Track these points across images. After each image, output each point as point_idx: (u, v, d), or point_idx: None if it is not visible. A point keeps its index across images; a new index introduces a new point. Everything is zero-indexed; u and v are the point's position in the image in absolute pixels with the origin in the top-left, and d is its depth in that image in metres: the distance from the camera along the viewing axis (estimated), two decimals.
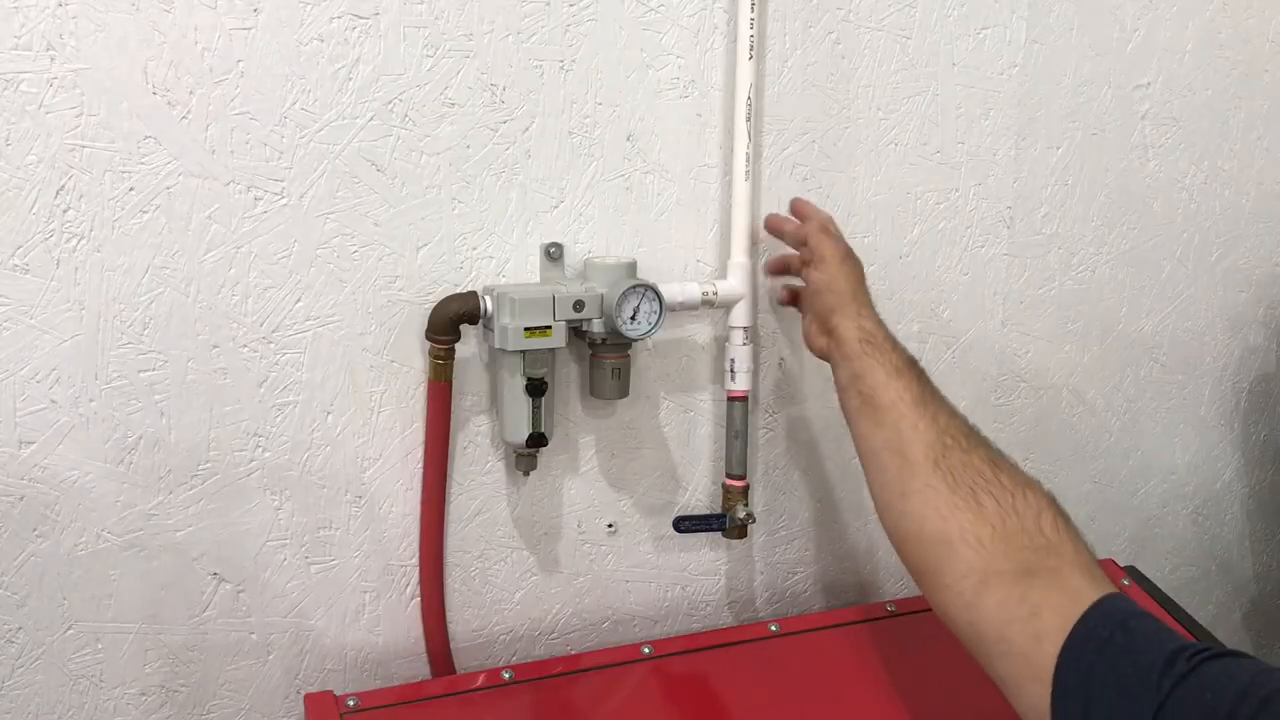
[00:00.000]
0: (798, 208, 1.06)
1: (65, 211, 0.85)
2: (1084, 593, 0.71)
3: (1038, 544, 0.74)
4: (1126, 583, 1.15)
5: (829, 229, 1.01)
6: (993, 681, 0.74)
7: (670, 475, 1.13)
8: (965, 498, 0.77)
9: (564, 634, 1.13)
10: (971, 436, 0.83)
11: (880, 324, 0.93)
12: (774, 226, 1.06)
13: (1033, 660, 0.70)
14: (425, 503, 1.02)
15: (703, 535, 1.15)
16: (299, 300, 0.94)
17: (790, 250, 1.06)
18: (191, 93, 0.86)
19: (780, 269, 1.08)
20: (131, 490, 0.92)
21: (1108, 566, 1.18)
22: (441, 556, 1.04)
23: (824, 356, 0.96)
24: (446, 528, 1.04)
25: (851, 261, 0.98)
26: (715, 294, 1.03)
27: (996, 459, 0.81)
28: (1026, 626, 0.71)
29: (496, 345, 0.95)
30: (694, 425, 1.12)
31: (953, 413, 0.85)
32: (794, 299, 1.07)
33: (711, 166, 1.05)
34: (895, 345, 0.90)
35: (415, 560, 1.03)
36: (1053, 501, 0.78)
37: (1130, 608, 0.70)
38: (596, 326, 0.97)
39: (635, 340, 0.98)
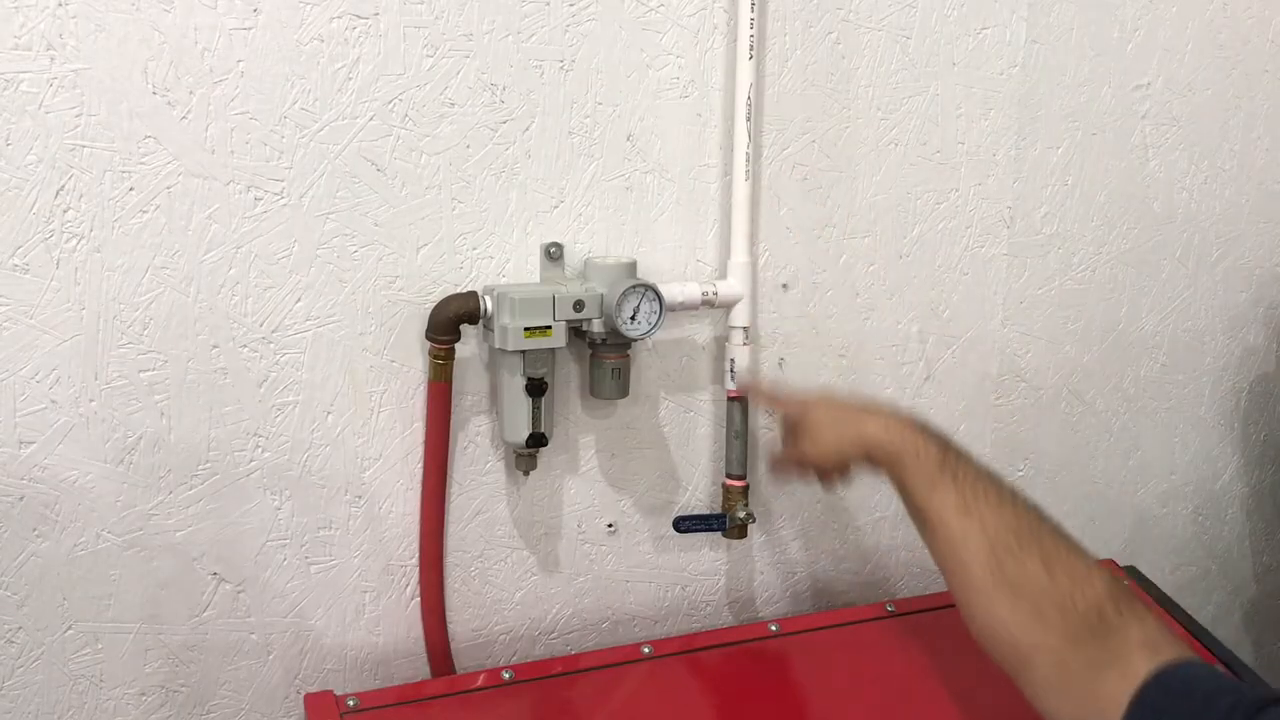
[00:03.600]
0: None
1: (65, 211, 0.85)
2: (1144, 671, 0.72)
3: (1102, 633, 0.75)
4: (1126, 583, 1.15)
5: (791, 415, 0.98)
6: None
7: (670, 475, 1.13)
8: (1029, 613, 0.78)
9: (564, 634, 1.13)
10: (1021, 534, 0.82)
11: (892, 431, 0.89)
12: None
13: None
14: (425, 503, 1.02)
15: (703, 535, 1.15)
16: (299, 300, 0.94)
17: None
18: (191, 93, 0.86)
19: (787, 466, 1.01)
20: (131, 490, 0.92)
21: (1107, 566, 1.17)
22: (441, 556, 1.04)
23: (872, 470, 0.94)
24: (446, 528, 1.04)
25: (825, 418, 0.94)
26: (715, 294, 1.03)
27: (1050, 557, 0.80)
28: (1100, 718, 0.73)
29: (496, 345, 0.95)
30: (694, 425, 1.12)
31: (999, 504, 0.84)
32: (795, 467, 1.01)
33: (711, 166, 1.05)
34: (920, 450, 0.87)
35: (415, 560, 1.03)
36: (1110, 582, 0.79)
37: (1187, 672, 0.72)
38: (596, 326, 0.97)
39: (635, 340, 0.98)
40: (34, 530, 0.90)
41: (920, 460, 0.86)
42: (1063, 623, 0.77)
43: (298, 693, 1.03)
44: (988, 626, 0.80)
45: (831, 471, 0.95)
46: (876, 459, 0.90)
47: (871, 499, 1.22)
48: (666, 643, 1.04)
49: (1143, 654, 0.73)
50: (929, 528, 0.86)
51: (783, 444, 1.01)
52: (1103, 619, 0.76)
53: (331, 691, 0.95)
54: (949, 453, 0.87)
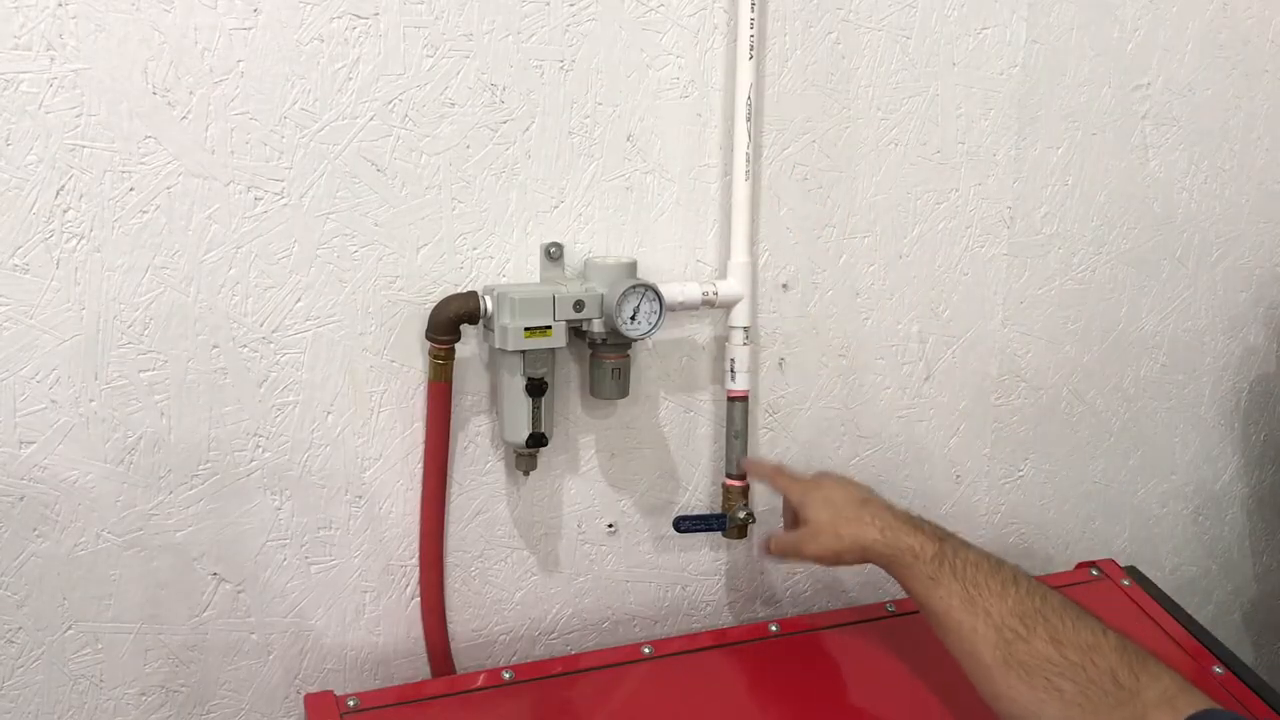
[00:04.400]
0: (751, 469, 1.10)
1: (65, 211, 0.85)
2: None
3: (1120, 699, 0.77)
4: (1127, 583, 1.15)
5: (789, 492, 1.03)
6: None
7: (670, 475, 1.13)
8: (1043, 689, 0.80)
9: (564, 634, 1.13)
10: (1026, 617, 0.84)
11: (887, 529, 0.93)
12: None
13: None
14: (425, 503, 1.02)
15: (703, 535, 1.15)
16: (299, 300, 0.94)
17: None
18: (191, 93, 0.86)
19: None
20: (131, 490, 0.92)
21: (1107, 566, 1.18)
22: (441, 556, 1.04)
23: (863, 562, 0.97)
24: (446, 528, 1.04)
25: (825, 504, 0.98)
26: (715, 294, 1.03)
27: (1057, 633, 0.82)
28: None
29: (496, 345, 0.95)
30: (694, 425, 1.12)
31: (1001, 592, 0.86)
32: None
33: (711, 166, 1.05)
34: (918, 546, 0.91)
35: (415, 560, 1.03)
36: (1122, 647, 0.80)
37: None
38: (596, 326, 0.97)
39: (635, 340, 0.98)
40: (34, 530, 0.90)
41: (919, 559, 0.90)
42: (1078, 693, 0.78)
43: (298, 693, 1.03)
44: (1007, 711, 0.82)
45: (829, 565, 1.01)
46: (875, 562, 0.94)
47: None
48: (666, 643, 1.04)
49: (1161, 713, 0.75)
50: (936, 621, 0.89)
51: (784, 522, 1.06)
52: (1117, 684, 0.77)
53: (331, 691, 0.95)
54: (945, 545, 0.91)
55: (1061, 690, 0.79)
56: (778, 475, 1.07)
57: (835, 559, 0.97)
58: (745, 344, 1.07)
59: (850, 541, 0.95)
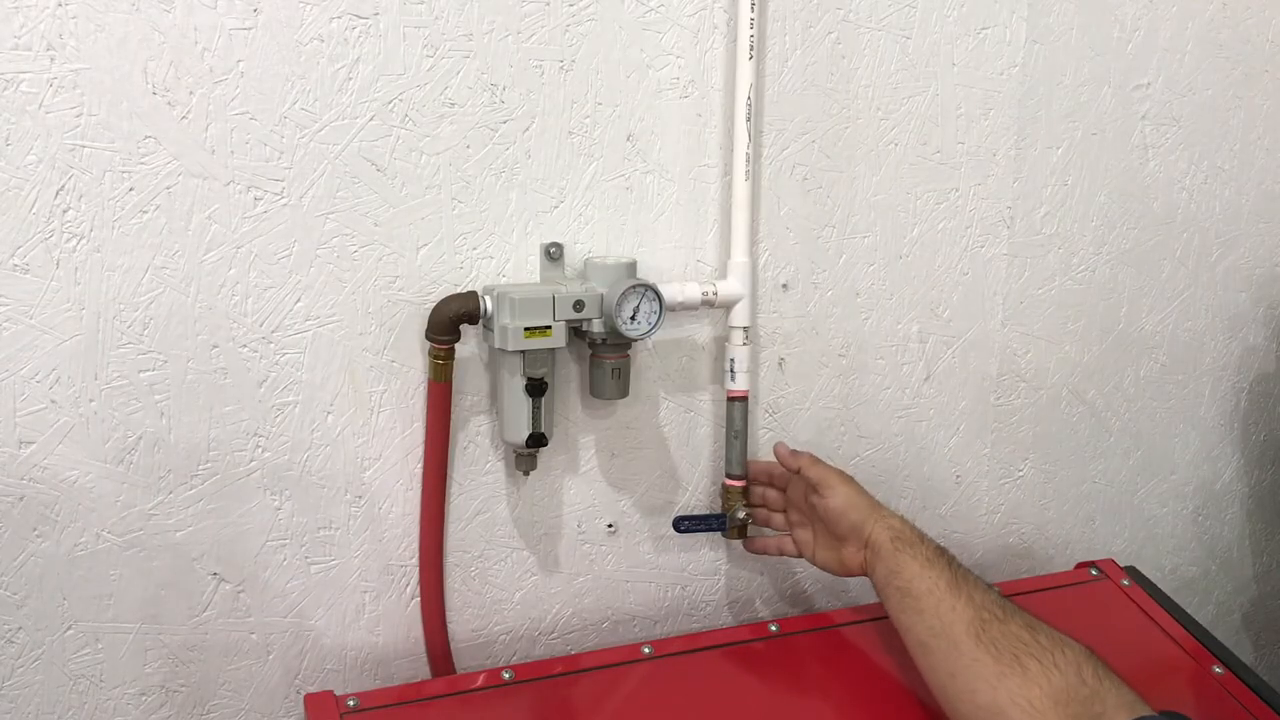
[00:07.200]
0: (781, 455, 1.10)
1: (65, 211, 0.85)
2: None
3: (1082, 695, 0.78)
4: (1126, 583, 1.15)
5: (818, 460, 1.06)
6: None
7: (670, 475, 1.13)
8: (1010, 665, 0.82)
9: (564, 634, 1.13)
10: (1006, 607, 0.88)
11: (904, 521, 0.99)
12: (765, 471, 1.10)
13: None
14: (425, 503, 1.02)
15: (703, 535, 1.15)
16: (299, 300, 0.94)
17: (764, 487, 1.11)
18: (191, 93, 0.86)
19: (766, 528, 1.11)
20: (131, 490, 0.92)
21: (1107, 566, 1.18)
22: (441, 556, 1.04)
23: (863, 570, 1.00)
24: (446, 528, 1.04)
25: (849, 480, 1.03)
26: (715, 294, 1.03)
27: (1033, 623, 0.86)
28: None
29: (496, 345, 0.95)
30: (694, 425, 1.12)
31: (986, 589, 0.91)
32: (781, 547, 1.09)
33: (711, 166, 1.05)
34: (923, 538, 0.96)
35: (415, 560, 1.03)
36: (1090, 653, 0.83)
37: None
38: (596, 326, 0.97)
39: (635, 340, 0.98)
40: (34, 530, 0.90)
41: (923, 544, 0.95)
42: (1041, 674, 0.80)
43: (298, 693, 1.03)
44: (966, 685, 0.83)
45: (821, 529, 1.04)
46: (880, 532, 0.97)
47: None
48: (666, 643, 1.04)
49: (1120, 714, 0.76)
50: (916, 599, 0.91)
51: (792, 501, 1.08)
52: (1081, 679, 0.79)
53: (331, 692, 0.95)
54: (946, 550, 0.96)
55: (1026, 668, 0.80)
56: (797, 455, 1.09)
57: (845, 513, 0.99)
58: (745, 344, 1.07)
59: (868, 501, 1.00)
